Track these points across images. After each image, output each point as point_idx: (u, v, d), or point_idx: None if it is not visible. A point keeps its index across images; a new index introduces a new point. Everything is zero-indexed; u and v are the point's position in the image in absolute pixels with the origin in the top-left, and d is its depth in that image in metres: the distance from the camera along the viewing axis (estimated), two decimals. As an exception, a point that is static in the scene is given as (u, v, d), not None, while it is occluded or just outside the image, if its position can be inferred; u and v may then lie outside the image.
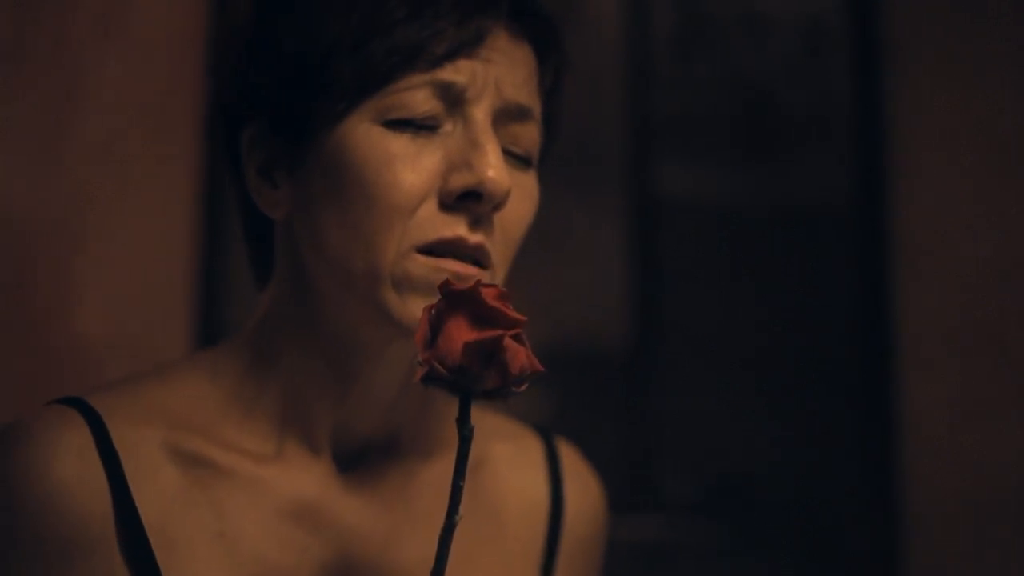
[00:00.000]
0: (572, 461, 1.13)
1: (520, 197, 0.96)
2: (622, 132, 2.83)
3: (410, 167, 0.92)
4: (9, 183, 2.06)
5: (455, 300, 0.81)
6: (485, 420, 1.08)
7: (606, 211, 2.83)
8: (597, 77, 2.79)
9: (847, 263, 2.85)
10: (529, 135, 0.98)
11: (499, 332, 0.81)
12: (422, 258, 0.93)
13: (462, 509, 1.03)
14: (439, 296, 0.86)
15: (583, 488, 1.13)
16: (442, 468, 1.03)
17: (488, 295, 0.81)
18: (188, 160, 2.12)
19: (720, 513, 2.87)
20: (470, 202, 0.93)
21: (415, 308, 0.92)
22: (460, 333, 0.81)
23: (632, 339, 2.89)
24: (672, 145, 2.85)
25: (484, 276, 0.94)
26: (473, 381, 0.82)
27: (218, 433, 0.97)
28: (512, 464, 1.10)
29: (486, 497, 1.05)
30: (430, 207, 0.93)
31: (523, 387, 0.84)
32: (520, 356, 0.82)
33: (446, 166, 0.93)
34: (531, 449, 1.12)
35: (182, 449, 0.95)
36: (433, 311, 0.82)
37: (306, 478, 0.98)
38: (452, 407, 1.06)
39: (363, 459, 1.00)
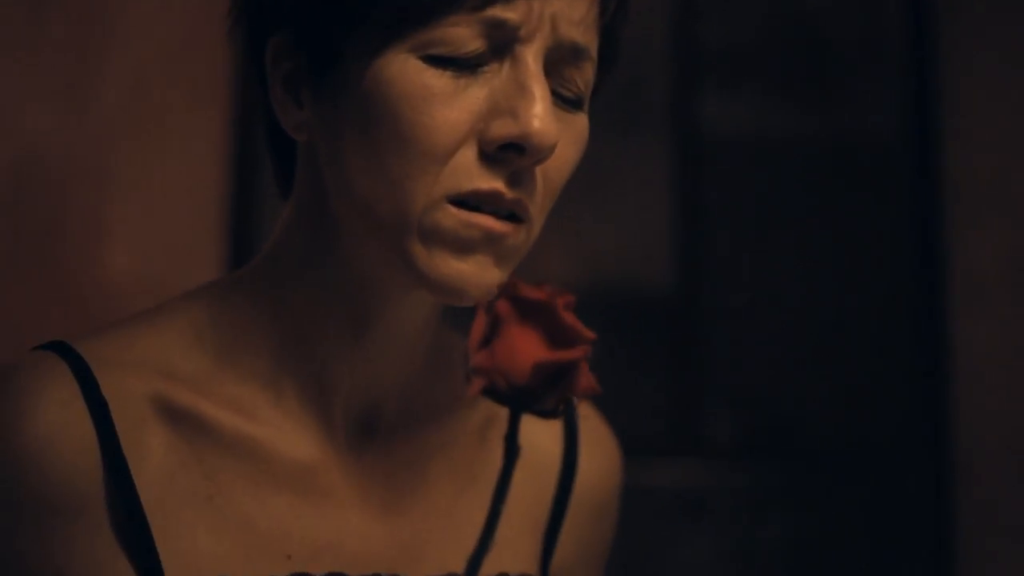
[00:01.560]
0: (591, 423, 1.05)
1: (567, 142, 0.88)
2: (666, 67, 2.77)
3: (450, 107, 0.85)
4: (38, 126, 2.04)
5: (525, 309, 0.73)
6: None
7: (649, 148, 2.78)
8: (640, 10, 2.73)
9: (897, 199, 2.80)
10: (583, 76, 0.89)
11: (576, 355, 0.74)
12: (454, 210, 0.85)
13: (465, 474, 0.99)
14: (471, 259, 0.82)
15: (600, 451, 1.05)
16: (451, 433, 0.98)
17: (561, 306, 0.74)
18: (217, 99, 2.11)
19: (765, 458, 2.83)
20: (511, 154, 0.86)
21: (442, 263, 0.84)
22: (530, 349, 0.74)
23: (676, 280, 2.84)
24: (717, 80, 2.80)
25: (520, 231, 0.87)
26: (534, 401, 0.75)
27: (213, 385, 0.90)
28: (525, 422, 1.03)
29: (490, 462, 0.99)
30: (468, 154, 0.85)
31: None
32: (585, 377, 0.75)
33: (489, 108, 0.85)
34: None
35: (173, 404, 0.89)
36: (492, 314, 0.75)
37: (304, 440, 0.92)
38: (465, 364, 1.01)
39: (367, 420, 0.94)
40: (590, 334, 0.74)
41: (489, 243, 0.87)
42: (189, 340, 0.92)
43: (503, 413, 1.00)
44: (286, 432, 0.92)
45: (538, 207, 0.89)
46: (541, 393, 0.74)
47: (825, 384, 2.84)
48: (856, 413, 2.85)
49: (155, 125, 2.09)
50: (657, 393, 2.87)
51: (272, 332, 0.92)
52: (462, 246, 0.86)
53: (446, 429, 0.98)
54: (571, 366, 0.75)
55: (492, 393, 0.75)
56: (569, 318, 0.75)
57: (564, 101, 0.90)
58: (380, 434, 0.95)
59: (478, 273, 0.87)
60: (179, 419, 0.89)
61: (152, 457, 0.87)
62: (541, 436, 1.01)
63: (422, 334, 0.94)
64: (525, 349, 0.74)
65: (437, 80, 0.86)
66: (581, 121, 0.91)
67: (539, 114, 0.85)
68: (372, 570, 0.92)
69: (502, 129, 0.86)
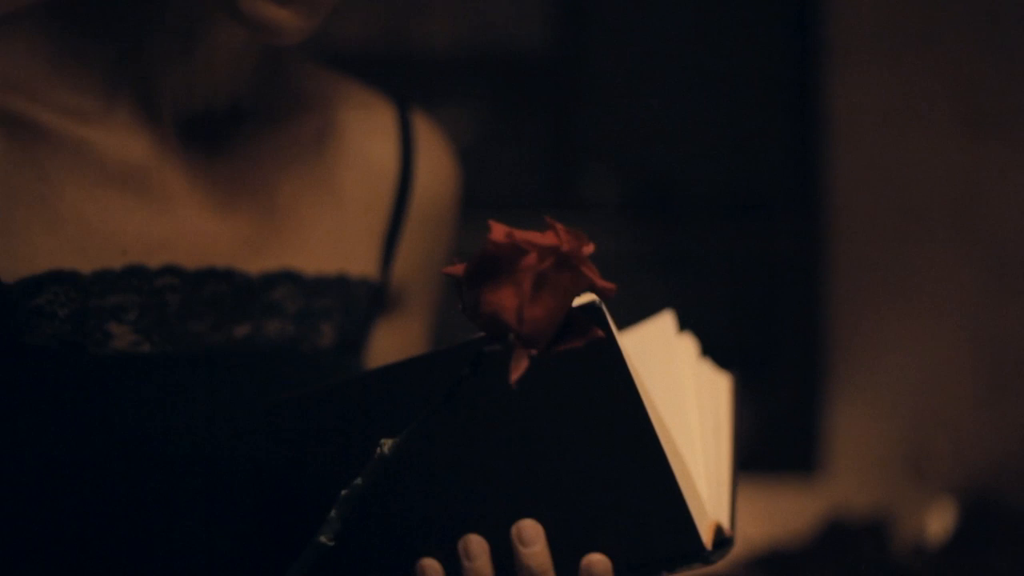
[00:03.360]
0: (427, 133, 1.06)
1: None
2: None
3: None
4: None
5: (561, 263, 0.67)
6: (335, 85, 1.03)
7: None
8: None
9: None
10: None
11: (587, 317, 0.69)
12: None
13: (303, 177, 0.99)
14: None
15: (436, 161, 1.07)
16: (288, 136, 0.99)
17: (587, 254, 0.70)
18: None
19: (645, 217, 2.88)
20: None
21: (263, 7, 0.85)
22: (554, 303, 0.67)
23: (558, 37, 2.84)
24: None
25: None
26: (536, 346, 0.69)
27: (46, 92, 0.91)
28: (360, 131, 1.03)
29: (327, 166, 1.01)
30: None
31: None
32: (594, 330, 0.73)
33: None
34: (383, 116, 1.05)
35: (5, 111, 0.90)
36: (490, 257, 0.67)
37: (136, 140, 0.93)
38: (302, 71, 1.01)
39: (201, 124, 0.95)
40: (609, 285, 0.69)
41: None
42: (22, 50, 0.93)
43: (341, 119, 1.01)
44: (118, 135, 0.93)
45: None
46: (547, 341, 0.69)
47: (706, 143, 2.88)
48: (736, 173, 2.90)
49: None
50: (539, 150, 2.89)
51: (105, 43, 0.93)
52: None
53: (284, 133, 1.00)
54: (586, 328, 0.70)
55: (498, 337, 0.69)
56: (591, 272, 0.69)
57: None
58: (215, 139, 0.96)
59: (293, 19, 0.88)
60: (11, 124, 0.91)
61: None
62: (376, 145, 1.03)
63: (251, 48, 0.95)
64: (550, 305, 0.68)
65: None
66: None
67: None
68: (209, 263, 0.94)
69: None
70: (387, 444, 0.71)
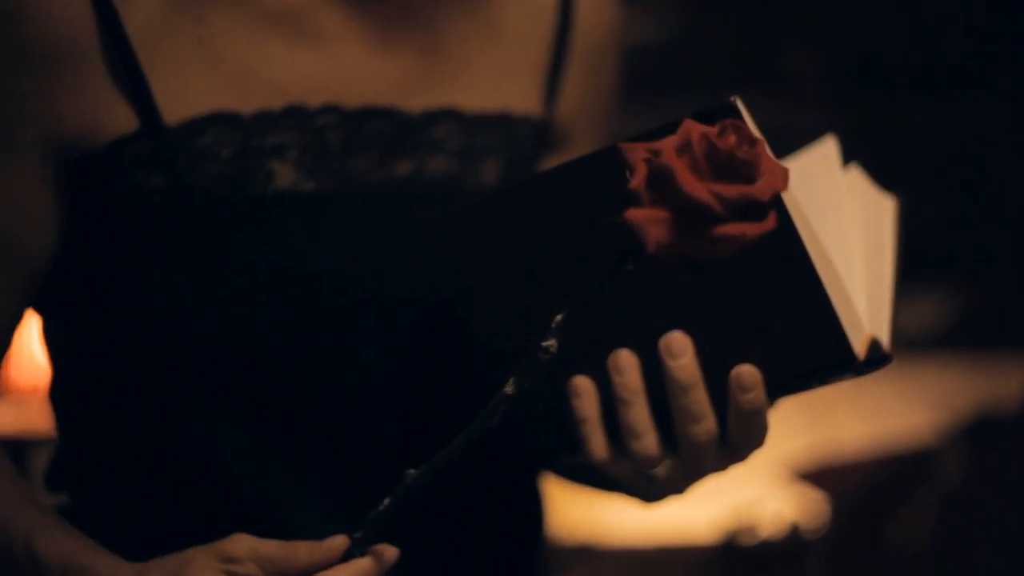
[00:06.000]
0: None
1: None
2: None
3: None
4: None
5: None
6: None
7: None
8: None
9: None
10: None
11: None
12: None
13: (463, 13, 0.98)
14: None
15: None
16: None
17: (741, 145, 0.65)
18: None
19: (846, 90, 2.81)
20: None
21: None
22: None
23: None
24: None
25: None
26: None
27: None
28: None
29: (486, 2, 0.99)
30: None
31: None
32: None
33: None
34: None
35: None
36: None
37: None
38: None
39: None
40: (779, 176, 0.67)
41: None
42: None
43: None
44: None
45: None
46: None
47: (910, 14, 2.79)
48: (941, 46, 2.81)
49: None
50: (738, 31, 2.84)
51: None
52: None
53: None
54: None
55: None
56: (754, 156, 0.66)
57: None
58: None
59: None
60: None
61: (142, 2, 0.89)
62: None
63: None
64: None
65: None
66: None
67: None
68: (369, 101, 0.94)
69: None
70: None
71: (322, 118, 0.93)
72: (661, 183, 0.66)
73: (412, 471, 0.76)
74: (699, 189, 0.65)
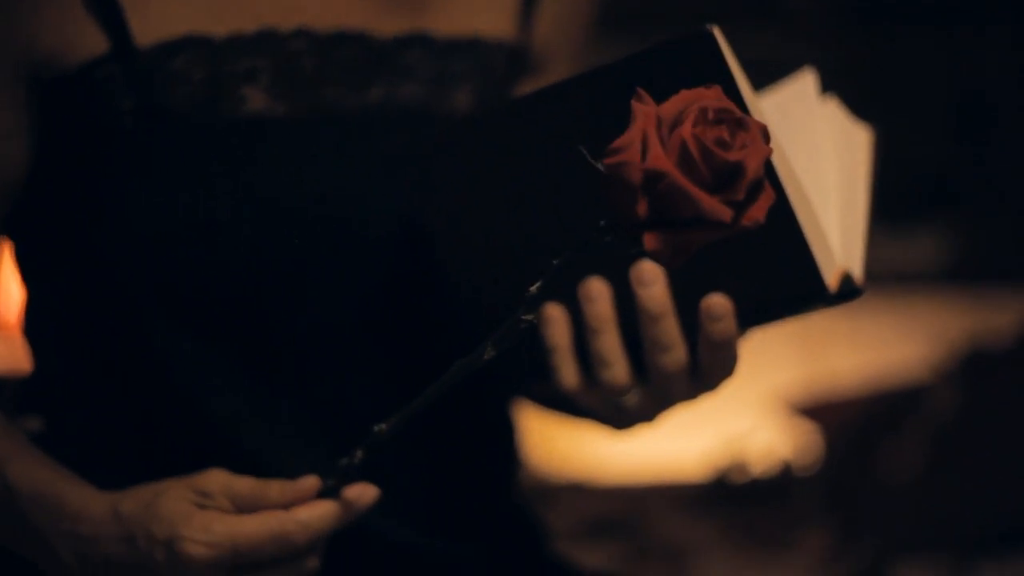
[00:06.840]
0: None
1: None
2: None
3: None
4: None
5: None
6: None
7: None
8: None
9: None
10: None
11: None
12: None
13: None
14: None
15: None
16: None
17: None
18: None
19: (849, 23, 2.79)
20: None
21: None
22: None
23: None
24: None
25: None
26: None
27: None
28: None
29: None
30: None
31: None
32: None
33: None
34: None
35: None
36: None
37: None
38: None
39: None
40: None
41: None
42: None
43: None
44: None
45: None
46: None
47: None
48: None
49: None
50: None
51: None
52: None
53: None
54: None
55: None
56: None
57: None
58: None
59: None
60: None
61: None
62: None
63: None
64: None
65: None
66: None
67: None
68: (341, 26, 0.93)
69: None
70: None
71: (294, 42, 0.92)
72: (667, 202, 0.64)
73: (382, 426, 0.76)
74: (713, 204, 0.64)
